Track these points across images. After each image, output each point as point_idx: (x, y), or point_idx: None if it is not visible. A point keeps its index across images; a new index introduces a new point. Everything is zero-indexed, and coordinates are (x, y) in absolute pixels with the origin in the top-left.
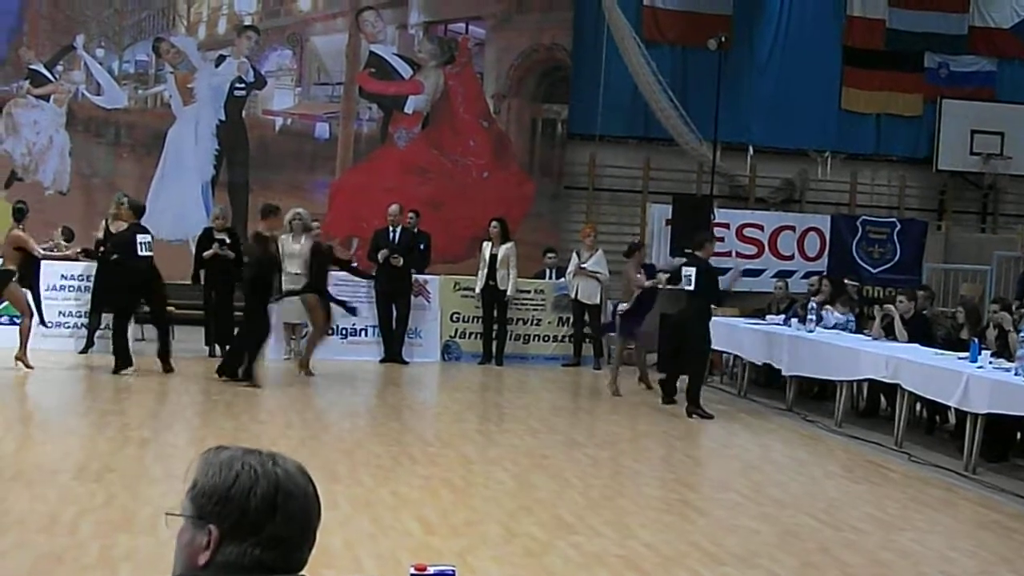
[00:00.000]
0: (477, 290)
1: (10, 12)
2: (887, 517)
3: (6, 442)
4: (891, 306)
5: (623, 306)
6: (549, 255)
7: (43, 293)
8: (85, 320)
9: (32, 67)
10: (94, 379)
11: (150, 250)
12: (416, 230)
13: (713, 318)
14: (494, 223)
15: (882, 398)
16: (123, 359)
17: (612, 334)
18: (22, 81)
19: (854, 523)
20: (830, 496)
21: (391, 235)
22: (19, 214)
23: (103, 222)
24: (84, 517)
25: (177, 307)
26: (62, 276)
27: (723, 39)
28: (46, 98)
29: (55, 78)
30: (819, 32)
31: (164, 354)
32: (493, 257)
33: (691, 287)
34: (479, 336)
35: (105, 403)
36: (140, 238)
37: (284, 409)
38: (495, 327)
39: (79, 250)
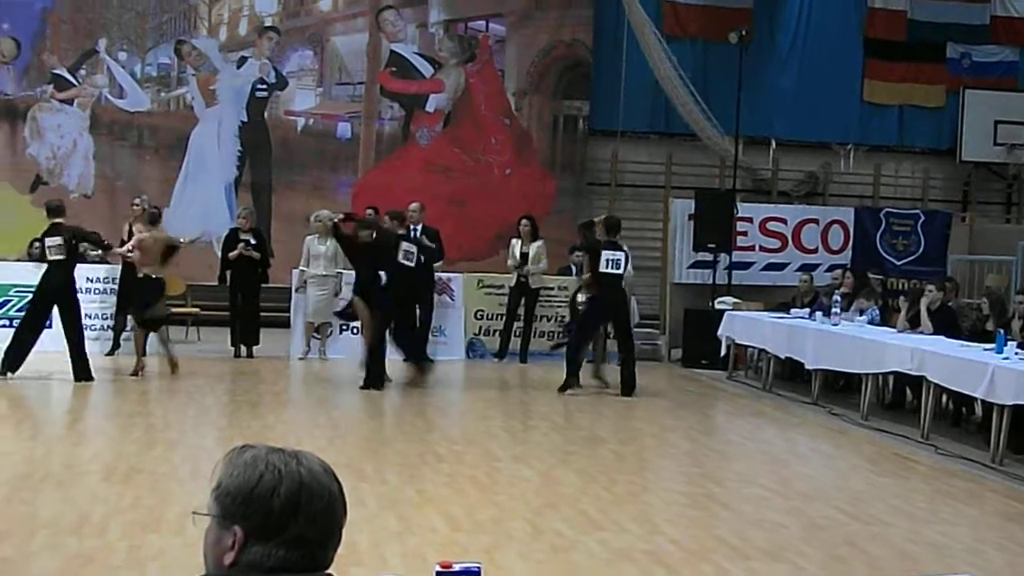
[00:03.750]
0: (512, 285)
1: (33, 17)
2: (914, 510)
3: (36, 445)
4: (932, 287)
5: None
6: (576, 253)
7: None
8: (111, 322)
9: (55, 71)
10: (120, 381)
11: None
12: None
13: (737, 312)
14: (524, 221)
15: (908, 390)
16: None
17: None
18: (46, 86)
19: (881, 516)
20: (856, 489)
21: (412, 234)
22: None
23: (126, 225)
24: (113, 518)
25: (203, 308)
26: (87, 279)
27: (744, 33)
28: (70, 102)
29: (78, 82)
30: (840, 24)
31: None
32: (524, 255)
33: (619, 271)
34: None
35: (132, 404)
36: None
37: (310, 408)
38: (519, 324)
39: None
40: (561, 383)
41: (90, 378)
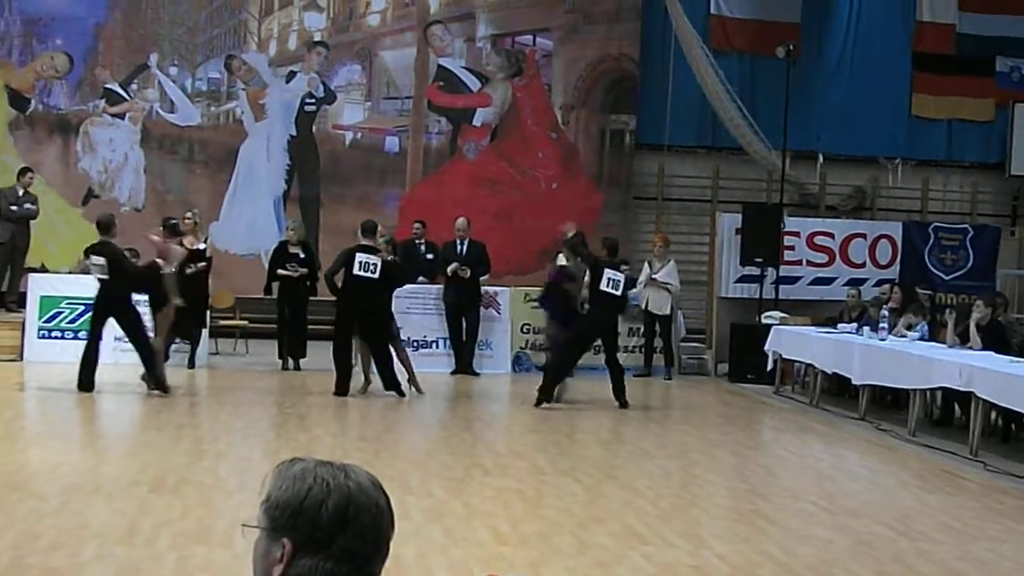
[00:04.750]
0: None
1: (86, 33)
2: (962, 527)
3: (86, 456)
4: (981, 303)
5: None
6: (623, 267)
7: None
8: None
9: (108, 86)
10: (170, 393)
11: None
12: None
13: (784, 327)
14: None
15: (956, 406)
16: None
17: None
18: (98, 100)
19: (929, 533)
20: (904, 506)
21: (459, 248)
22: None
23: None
24: (161, 529)
25: (251, 320)
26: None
27: (792, 47)
28: (121, 116)
29: (130, 96)
30: (888, 38)
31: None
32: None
33: (618, 292)
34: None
35: (181, 416)
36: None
37: (357, 421)
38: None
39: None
40: (536, 398)
41: (164, 390)
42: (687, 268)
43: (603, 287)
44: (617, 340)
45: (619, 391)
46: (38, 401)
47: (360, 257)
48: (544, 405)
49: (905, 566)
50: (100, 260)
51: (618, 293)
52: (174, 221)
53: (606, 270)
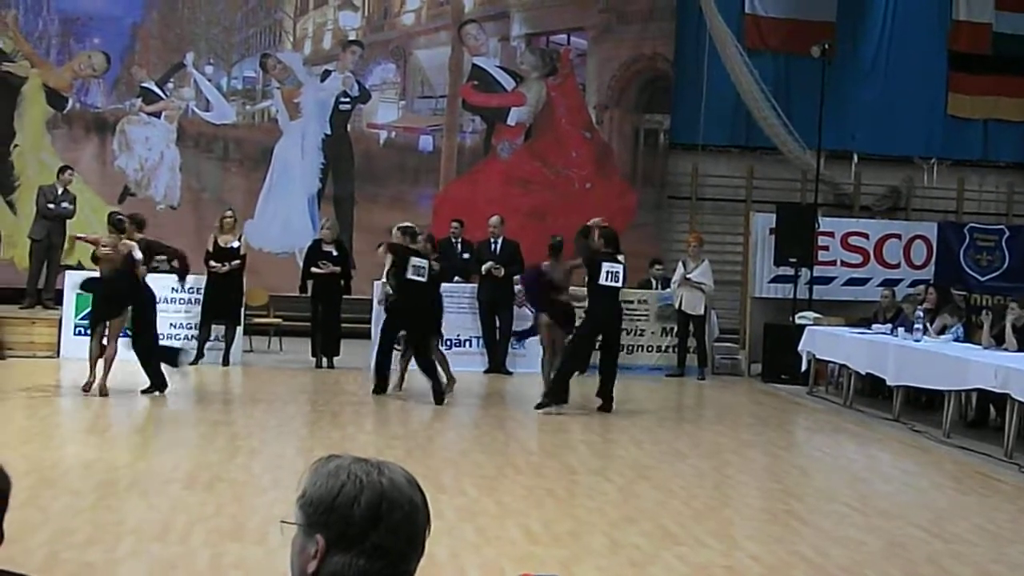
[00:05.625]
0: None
1: (123, 32)
2: (997, 529)
3: (121, 453)
4: (1015, 304)
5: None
6: (656, 266)
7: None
8: (195, 332)
9: (144, 85)
10: (204, 390)
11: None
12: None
13: (817, 327)
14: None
15: (991, 408)
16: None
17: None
18: (135, 99)
19: (963, 535)
20: (938, 507)
21: (492, 247)
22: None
23: (212, 235)
24: (195, 526)
25: (285, 319)
26: (172, 289)
27: (827, 46)
28: (157, 115)
29: (166, 95)
30: (924, 37)
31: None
32: None
33: (618, 284)
34: None
35: (215, 414)
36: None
37: (389, 420)
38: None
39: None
40: (542, 399)
41: (161, 387)
42: (721, 268)
43: (603, 281)
44: (619, 340)
45: (604, 395)
46: (74, 398)
47: (414, 261)
48: (551, 410)
49: (939, 568)
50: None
51: (619, 285)
52: (120, 217)
53: (603, 264)
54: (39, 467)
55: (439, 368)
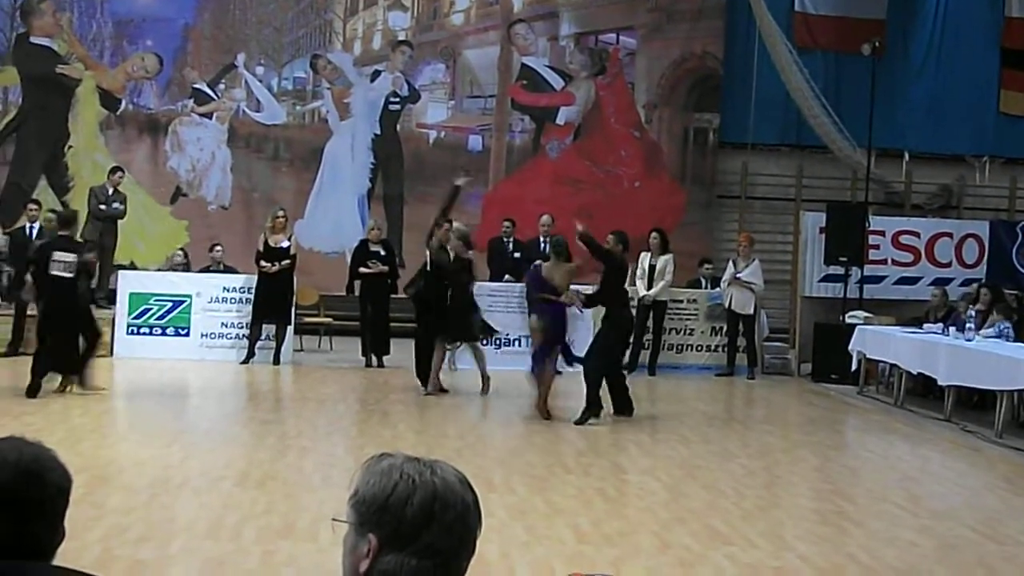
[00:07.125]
0: (636, 300)
1: (175, 34)
2: None
3: (173, 451)
4: None
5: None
6: (706, 265)
7: (206, 305)
8: (246, 331)
9: (196, 86)
10: (255, 389)
11: None
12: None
13: (868, 326)
14: (654, 234)
15: None
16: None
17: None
18: (186, 100)
19: (1016, 536)
20: (991, 508)
21: (542, 245)
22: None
23: (262, 235)
24: (246, 523)
25: (335, 318)
26: (224, 288)
27: (877, 44)
28: (209, 116)
29: (217, 96)
30: (976, 34)
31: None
32: (652, 267)
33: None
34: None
35: (265, 413)
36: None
37: (440, 419)
38: (648, 337)
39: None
40: (582, 414)
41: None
42: (771, 267)
43: (627, 285)
44: (628, 344)
45: (621, 397)
46: (127, 396)
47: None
48: (591, 422)
49: (991, 570)
50: (70, 257)
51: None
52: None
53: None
54: (93, 465)
55: (443, 367)
